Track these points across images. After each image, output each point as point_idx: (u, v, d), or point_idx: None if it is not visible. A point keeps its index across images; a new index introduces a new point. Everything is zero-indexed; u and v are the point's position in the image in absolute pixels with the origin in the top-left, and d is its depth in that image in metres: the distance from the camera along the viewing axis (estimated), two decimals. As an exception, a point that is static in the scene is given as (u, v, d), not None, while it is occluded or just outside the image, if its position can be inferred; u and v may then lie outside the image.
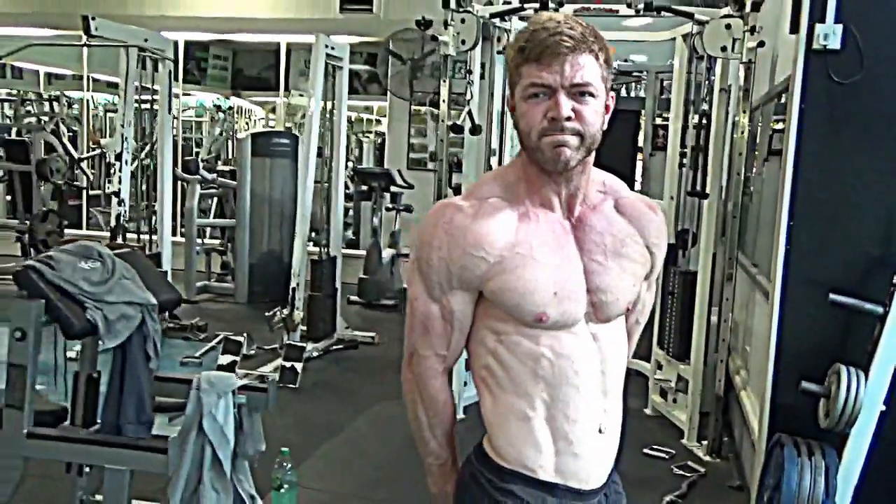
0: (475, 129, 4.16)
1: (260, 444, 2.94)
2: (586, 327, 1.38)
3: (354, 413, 4.46)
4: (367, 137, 10.68)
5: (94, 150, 10.16)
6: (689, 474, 3.76)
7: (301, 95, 11.63)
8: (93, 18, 5.12)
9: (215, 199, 8.48)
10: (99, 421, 2.63)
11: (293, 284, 5.39)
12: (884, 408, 2.70)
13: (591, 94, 1.28)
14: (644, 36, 5.13)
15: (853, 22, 2.79)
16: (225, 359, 4.97)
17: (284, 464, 3.09)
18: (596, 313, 1.38)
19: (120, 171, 5.53)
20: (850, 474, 2.71)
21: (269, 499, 3.05)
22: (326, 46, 5.57)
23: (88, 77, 10.24)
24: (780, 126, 4.00)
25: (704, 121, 4.11)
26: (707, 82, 4.16)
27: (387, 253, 7.70)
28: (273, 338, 5.55)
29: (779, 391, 2.97)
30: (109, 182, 11.19)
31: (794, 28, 2.89)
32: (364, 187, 7.86)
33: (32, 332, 2.30)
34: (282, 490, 3.07)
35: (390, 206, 7.83)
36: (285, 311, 5.28)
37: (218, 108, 12.94)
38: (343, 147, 6.14)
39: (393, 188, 7.63)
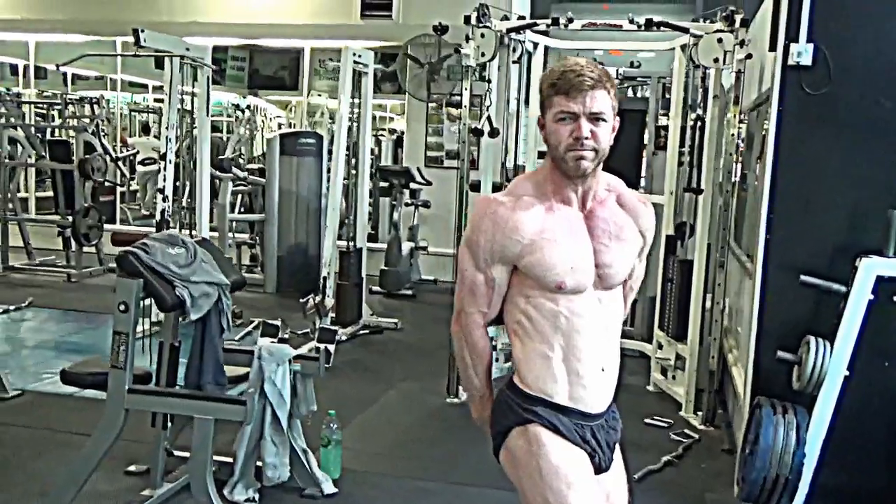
0: (493, 133, 4.62)
1: (312, 405, 3.44)
2: (594, 293, 1.84)
3: (384, 389, 4.94)
4: (385, 136, 11.14)
5: (123, 149, 10.70)
6: (684, 440, 4.22)
7: (319, 95, 12.10)
8: (142, 31, 5.58)
9: (240, 195, 8.96)
10: (181, 383, 3.12)
11: (324, 273, 5.86)
12: (847, 373, 3.15)
13: (604, 120, 1.76)
14: (646, 46, 5.58)
15: (823, 42, 3.23)
16: (263, 341, 5.43)
17: (332, 424, 3.57)
18: (601, 282, 1.85)
19: (164, 169, 5.99)
20: (818, 429, 3.16)
21: (318, 454, 3.53)
22: (354, 54, 6.03)
23: (119, 80, 10.85)
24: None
25: (700, 123, 4.56)
26: (702, 89, 4.62)
27: (406, 246, 8.17)
28: (304, 323, 6.02)
29: (760, 360, 3.42)
30: (132, 180, 11.71)
31: (773, 46, 3.34)
32: (384, 184, 8.33)
33: (133, 306, 2.78)
34: (329, 446, 3.55)
35: (409, 201, 8.30)
36: (317, 298, 5.75)
37: (236, 107, 13.43)
38: (368, 146, 6.61)
39: (412, 185, 8.10)
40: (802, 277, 3.19)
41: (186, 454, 3.39)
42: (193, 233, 6.74)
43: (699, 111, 4.58)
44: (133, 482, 3.40)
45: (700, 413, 4.48)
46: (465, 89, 4.55)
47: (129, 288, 2.77)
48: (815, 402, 3.18)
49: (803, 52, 3.24)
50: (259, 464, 3.34)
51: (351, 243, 6.46)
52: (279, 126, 13.59)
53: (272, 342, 5.24)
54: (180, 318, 3.08)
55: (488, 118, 4.56)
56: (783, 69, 3.29)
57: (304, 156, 7.92)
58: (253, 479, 3.33)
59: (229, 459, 3.34)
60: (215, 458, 3.37)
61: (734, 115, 4.22)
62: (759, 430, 3.19)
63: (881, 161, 3.27)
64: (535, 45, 5.02)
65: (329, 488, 3.41)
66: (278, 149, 7.78)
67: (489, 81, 4.59)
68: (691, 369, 4.62)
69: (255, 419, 3.23)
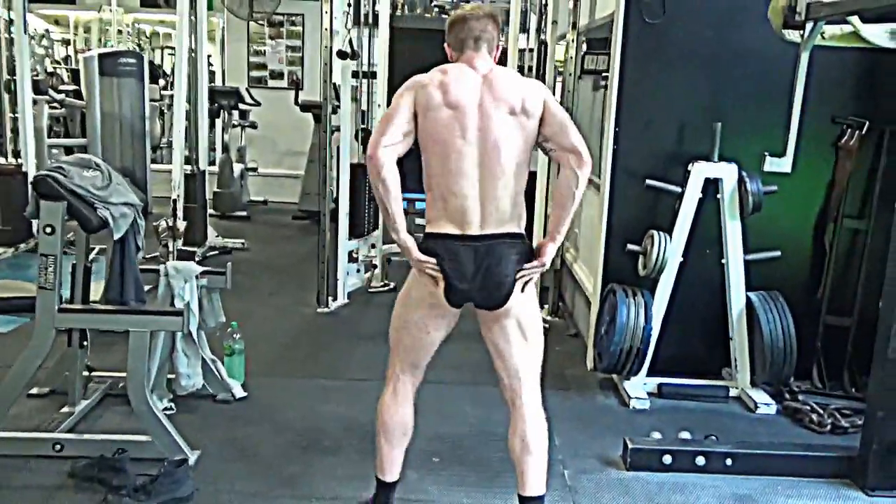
0: (354, 55, 4.84)
1: (220, 317, 3.64)
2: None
3: (255, 305, 5.14)
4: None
5: None
6: (537, 329, 4.81)
7: (112, 10, 11.40)
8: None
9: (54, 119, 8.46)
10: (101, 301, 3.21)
11: (174, 196, 5.84)
12: (682, 259, 3.82)
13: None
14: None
15: (660, -24, 3.76)
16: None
17: (234, 335, 3.78)
18: None
19: (-15, 92, 5.66)
20: (660, 307, 3.83)
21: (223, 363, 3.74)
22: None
23: None
24: (589, 50, 5.00)
25: (542, 46, 5.03)
26: (543, 15, 5.08)
27: (237, 168, 8.18)
28: (153, 247, 6.01)
29: (610, 254, 4.01)
30: None
31: (617, -21, 3.83)
32: (211, 105, 8.22)
33: (59, 228, 2.84)
34: (233, 355, 3.77)
35: (237, 122, 8.27)
36: (170, 221, 5.76)
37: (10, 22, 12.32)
38: (205, 65, 6.55)
39: (241, 106, 8.07)
40: (648, 181, 3.80)
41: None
42: (19, 160, 6.44)
43: (543, 36, 5.04)
44: (40, 404, 3.45)
45: (546, 306, 5.10)
46: (326, 13, 4.71)
47: (55, 211, 2.82)
48: (657, 285, 3.84)
49: (643, -15, 3.75)
50: (170, 376, 3.51)
51: (194, 166, 6.44)
52: (52, 42, 12.63)
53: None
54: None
55: (350, 41, 4.77)
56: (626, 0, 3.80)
57: (125, 76, 7.59)
58: (165, 389, 3.50)
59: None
60: (118, 374, 3.51)
61: (573, 40, 4.72)
62: (614, 311, 3.81)
63: (705, 82, 3.89)
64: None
65: (239, 392, 3.65)
66: (97, 69, 7.42)
67: (350, 4, 4.78)
68: (535, 268, 5.19)
69: (167, 333, 3.39)
